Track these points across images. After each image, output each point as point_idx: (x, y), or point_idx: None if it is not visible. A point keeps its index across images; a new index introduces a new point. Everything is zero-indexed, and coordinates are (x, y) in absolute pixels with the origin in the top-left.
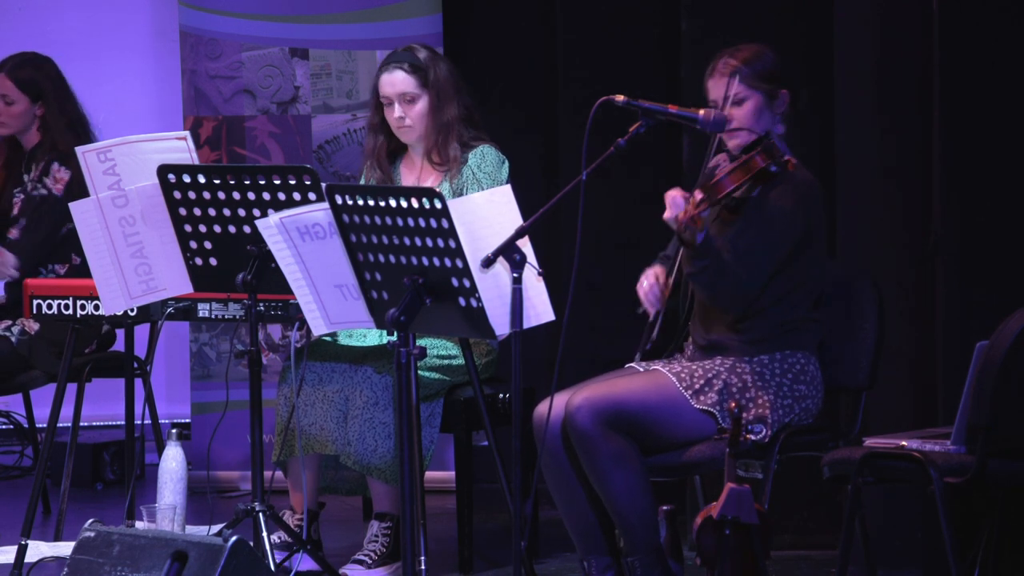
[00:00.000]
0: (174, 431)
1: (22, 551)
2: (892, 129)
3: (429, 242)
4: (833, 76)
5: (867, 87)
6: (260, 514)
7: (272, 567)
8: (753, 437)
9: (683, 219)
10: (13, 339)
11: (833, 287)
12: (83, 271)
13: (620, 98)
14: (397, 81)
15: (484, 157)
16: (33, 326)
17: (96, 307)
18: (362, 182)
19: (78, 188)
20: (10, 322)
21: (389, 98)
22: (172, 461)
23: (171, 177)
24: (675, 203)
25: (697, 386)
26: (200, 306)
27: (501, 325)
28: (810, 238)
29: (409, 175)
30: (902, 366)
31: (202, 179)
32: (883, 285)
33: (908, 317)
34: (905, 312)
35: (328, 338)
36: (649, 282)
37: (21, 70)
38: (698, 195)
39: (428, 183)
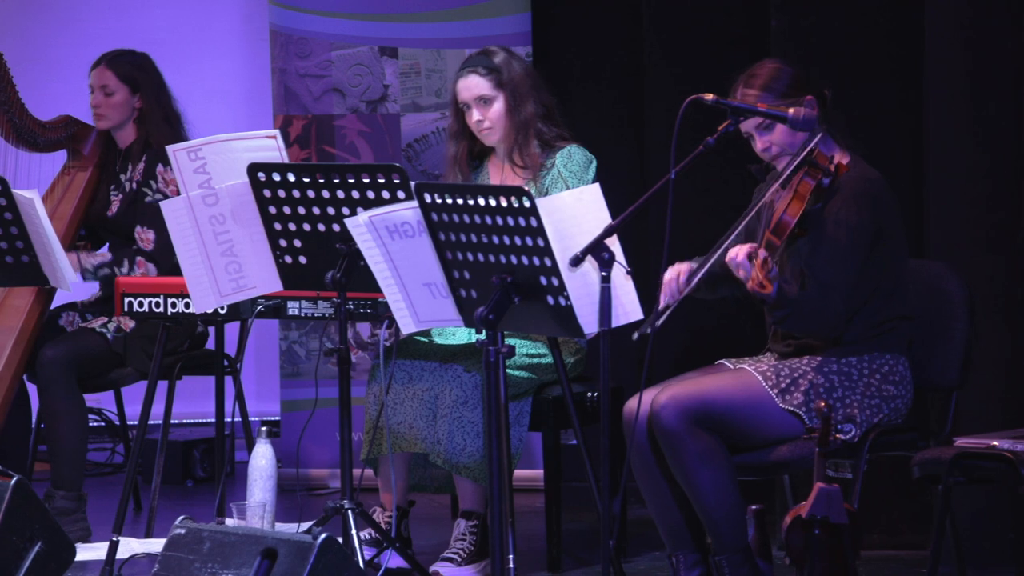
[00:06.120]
0: (264, 428)
1: (113, 547)
2: (983, 126)
3: (518, 240)
4: (923, 73)
5: (958, 84)
6: (349, 512)
7: (361, 564)
8: (843, 437)
9: (753, 286)
10: (109, 336)
11: (924, 286)
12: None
13: (709, 97)
14: (472, 85)
15: (571, 157)
16: (129, 323)
17: (187, 305)
18: None
19: None
20: (106, 319)
21: (467, 103)
22: (262, 459)
23: (261, 176)
24: (744, 267)
25: (783, 385)
26: (290, 304)
27: (590, 324)
28: (883, 235)
29: (495, 175)
30: (993, 365)
31: (292, 178)
32: (974, 284)
33: (999, 316)
34: (996, 311)
35: (422, 337)
36: (669, 276)
37: (119, 62)
38: (762, 254)
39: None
